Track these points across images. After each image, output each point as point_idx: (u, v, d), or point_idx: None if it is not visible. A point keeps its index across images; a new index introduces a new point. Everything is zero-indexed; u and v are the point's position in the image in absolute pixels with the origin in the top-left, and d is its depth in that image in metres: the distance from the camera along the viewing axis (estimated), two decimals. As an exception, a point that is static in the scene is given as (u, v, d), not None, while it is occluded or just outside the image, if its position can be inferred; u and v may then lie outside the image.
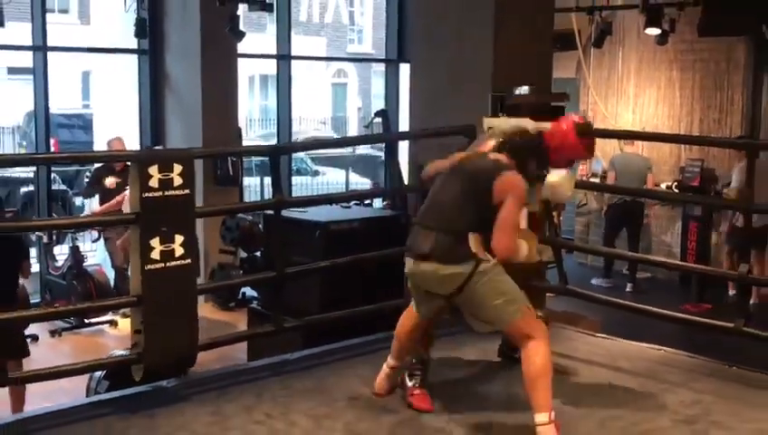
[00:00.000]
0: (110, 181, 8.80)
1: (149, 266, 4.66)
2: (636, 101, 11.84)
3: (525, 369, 4.18)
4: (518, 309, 4.23)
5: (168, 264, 4.70)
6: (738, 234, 8.77)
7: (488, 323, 4.35)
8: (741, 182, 8.70)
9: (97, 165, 9.40)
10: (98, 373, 5.50)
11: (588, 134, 4.71)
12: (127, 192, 6.49)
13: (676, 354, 5.71)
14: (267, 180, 7.45)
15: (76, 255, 8.88)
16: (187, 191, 4.79)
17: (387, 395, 4.71)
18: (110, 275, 9.15)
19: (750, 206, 5.70)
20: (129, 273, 5.24)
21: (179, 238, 4.74)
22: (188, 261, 4.81)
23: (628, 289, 9.91)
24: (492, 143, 4.55)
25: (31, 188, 10.90)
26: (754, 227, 8.62)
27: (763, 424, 4.47)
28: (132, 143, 10.32)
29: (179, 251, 4.74)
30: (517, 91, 6.16)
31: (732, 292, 9.01)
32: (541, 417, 4.09)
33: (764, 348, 5.46)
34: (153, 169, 4.66)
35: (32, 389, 5.65)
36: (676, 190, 9.94)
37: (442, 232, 4.24)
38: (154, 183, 4.66)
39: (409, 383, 4.69)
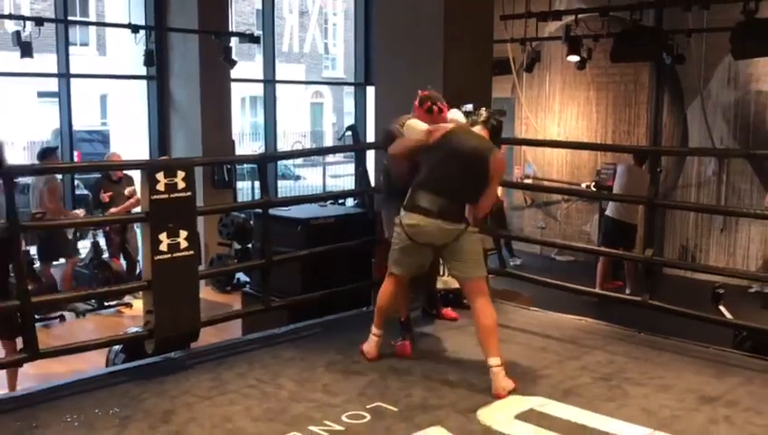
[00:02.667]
0: (103, 196, 8.67)
1: (159, 257, 4.64)
2: (560, 116, 11.91)
3: (482, 322, 4.41)
4: (483, 270, 4.64)
5: (174, 255, 4.68)
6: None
7: (458, 269, 4.54)
8: (622, 184, 8.79)
9: (96, 176, 9.31)
10: (116, 347, 5.44)
11: (425, 101, 4.79)
12: (138, 195, 6.41)
13: (594, 324, 5.75)
14: (257, 184, 7.43)
15: (96, 248, 8.78)
16: (189, 193, 4.76)
17: (377, 358, 4.77)
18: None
19: (652, 200, 5.77)
20: (141, 262, 5.20)
21: (184, 233, 4.72)
22: (192, 252, 4.79)
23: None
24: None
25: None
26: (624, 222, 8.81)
27: (667, 380, 4.52)
28: (143, 154, 10.24)
29: (184, 244, 4.72)
30: (462, 108, 6.18)
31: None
32: (494, 360, 4.30)
33: (665, 317, 5.53)
34: (160, 176, 4.64)
35: (57, 361, 5.59)
36: (594, 189, 10.01)
37: (448, 198, 4.42)
38: (161, 187, 4.63)
39: (399, 339, 4.92)
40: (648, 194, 5.76)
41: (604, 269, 8.93)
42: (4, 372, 5.55)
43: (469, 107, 6.20)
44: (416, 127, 4.71)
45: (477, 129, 4.85)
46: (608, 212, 9.16)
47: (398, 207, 4.62)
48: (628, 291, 8.53)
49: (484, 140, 4.73)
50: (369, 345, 4.81)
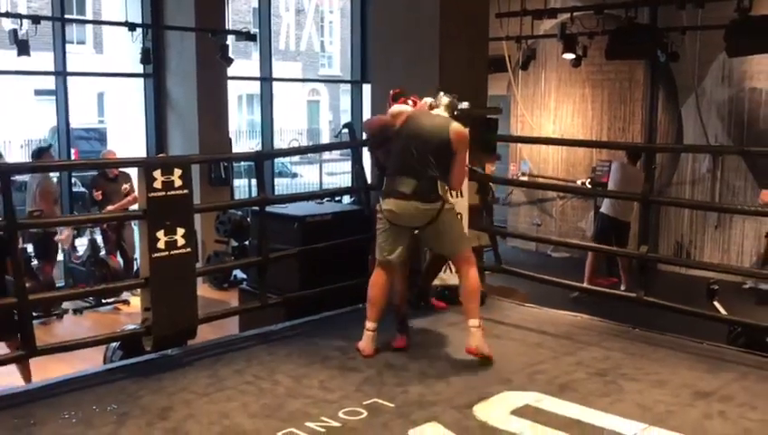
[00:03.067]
0: (96, 194, 8.64)
1: (156, 254, 4.62)
2: (556, 114, 11.92)
3: (467, 285, 4.73)
4: (468, 241, 4.93)
5: (171, 252, 4.67)
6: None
7: (445, 248, 4.83)
8: (616, 181, 8.83)
9: (93, 174, 9.28)
10: (113, 344, 5.43)
11: (399, 96, 5.12)
12: (136, 193, 6.39)
13: (590, 320, 5.76)
14: (254, 181, 7.41)
15: (93, 246, 8.75)
16: (186, 191, 4.75)
17: (373, 354, 4.80)
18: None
19: (647, 196, 5.77)
20: (138, 260, 5.18)
21: (181, 231, 4.71)
22: (189, 250, 4.78)
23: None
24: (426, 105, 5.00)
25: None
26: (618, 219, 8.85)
27: (662, 375, 4.53)
28: (140, 151, 10.21)
29: (181, 241, 4.71)
30: (459, 106, 6.18)
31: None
32: (473, 321, 4.65)
33: (660, 313, 5.54)
34: (157, 173, 4.63)
35: (55, 358, 5.57)
36: (589, 186, 10.01)
37: (419, 179, 4.60)
38: (158, 185, 4.62)
39: (397, 335, 4.97)
40: (642, 191, 5.76)
41: (593, 265, 8.94)
42: (7, 368, 5.50)
43: (465, 104, 6.23)
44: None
45: (440, 111, 4.97)
46: (602, 209, 9.18)
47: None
48: (623, 287, 8.55)
49: (441, 117, 4.88)
50: (365, 342, 4.83)
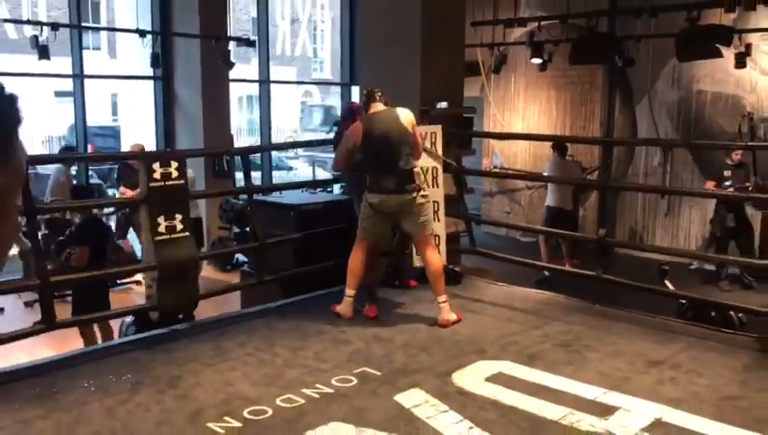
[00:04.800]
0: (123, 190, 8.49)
1: (158, 238, 4.62)
2: (524, 113, 11.90)
3: (430, 269, 4.91)
4: (431, 228, 5.06)
5: (171, 235, 4.67)
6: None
7: (411, 228, 4.96)
8: (551, 170, 8.95)
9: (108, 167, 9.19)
10: (127, 320, 5.40)
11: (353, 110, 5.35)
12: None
13: (554, 296, 5.77)
14: (254, 174, 7.30)
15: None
16: (182, 181, 4.76)
17: (352, 317, 4.93)
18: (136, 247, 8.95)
19: (605, 183, 5.78)
20: (143, 243, 5.17)
21: (179, 216, 4.72)
22: (187, 233, 4.78)
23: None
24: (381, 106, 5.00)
25: (74, 182, 10.63)
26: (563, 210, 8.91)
27: (619, 346, 4.56)
28: (150, 147, 10.11)
29: (179, 226, 4.72)
30: (438, 106, 6.16)
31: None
32: (442, 298, 4.86)
33: (617, 291, 5.56)
34: (156, 166, 4.64)
35: (74, 332, 5.53)
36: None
37: (398, 172, 4.80)
38: (157, 175, 4.62)
39: (366, 305, 5.09)
40: (600, 179, 5.78)
41: (547, 250, 8.96)
42: (31, 341, 5.44)
43: (443, 104, 6.20)
44: None
45: (380, 105, 4.97)
46: (547, 202, 9.22)
47: (360, 191, 5.01)
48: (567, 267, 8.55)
49: (387, 111, 4.95)
50: (344, 306, 4.96)
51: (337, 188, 9.02)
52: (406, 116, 4.92)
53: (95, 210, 6.50)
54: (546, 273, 7.88)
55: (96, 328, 5.60)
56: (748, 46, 8.54)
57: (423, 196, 4.93)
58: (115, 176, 10.49)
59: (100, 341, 5.53)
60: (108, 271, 5.47)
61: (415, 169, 4.92)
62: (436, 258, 4.96)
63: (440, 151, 5.85)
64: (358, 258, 4.95)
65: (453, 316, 4.85)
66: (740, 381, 4.02)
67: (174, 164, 4.69)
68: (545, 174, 9.19)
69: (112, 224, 8.75)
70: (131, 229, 8.83)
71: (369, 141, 4.83)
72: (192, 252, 4.92)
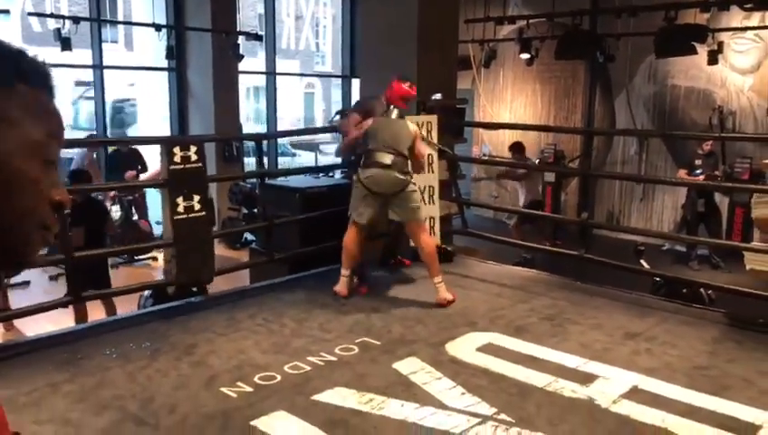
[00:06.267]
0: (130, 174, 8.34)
1: (177, 217, 4.59)
2: (512, 105, 11.84)
3: (424, 252, 4.81)
4: (421, 216, 4.95)
5: (189, 215, 4.64)
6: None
7: (403, 214, 4.82)
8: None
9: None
10: (146, 293, 5.39)
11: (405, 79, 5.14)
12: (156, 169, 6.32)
13: (539, 274, 5.80)
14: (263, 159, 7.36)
15: (127, 213, 8.63)
16: (200, 165, 4.72)
17: (348, 295, 4.85)
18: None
19: (586, 172, 5.77)
20: (162, 222, 5.14)
21: (197, 197, 4.68)
22: (204, 213, 4.75)
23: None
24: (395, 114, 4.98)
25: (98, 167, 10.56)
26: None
27: (600, 320, 4.58)
28: (165, 133, 10.06)
29: (197, 206, 4.69)
30: (433, 97, 6.13)
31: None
32: (437, 278, 4.78)
33: (597, 269, 5.57)
34: (176, 150, 4.60)
35: (97, 304, 5.52)
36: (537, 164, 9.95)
37: (397, 155, 4.74)
38: (177, 159, 4.59)
39: (357, 283, 5.07)
40: (582, 166, 5.76)
41: (519, 236, 8.95)
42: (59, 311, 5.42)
43: (438, 96, 6.16)
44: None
45: (395, 115, 4.96)
46: (521, 202, 9.20)
47: (351, 173, 4.96)
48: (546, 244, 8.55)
49: (400, 121, 4.92)
50: (341, 285, 4.89)
51: (338, 174, 9.01)
52: (413, 127, 4.94)
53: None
54: (525, 255, 7.84)
55: (101, 304, 5.53)
56: (720, 44, 8.51)
57: (413, 183, 4.82)
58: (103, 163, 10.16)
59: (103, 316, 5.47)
60: (129, 247, 5.44)
61: (411, 178, 4.82)
62: (427, 243, 4.84)
63: (435, 139, 5.83)
64: (351, 240, 4.85)
65: (449, 296, 4.76)
66: (709, 352, 4.04)
67: (193, 148, 4.66)
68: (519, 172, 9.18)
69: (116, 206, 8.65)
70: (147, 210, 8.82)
71: (375, 133, 4.83)
72: (209, 231, 4.90)
